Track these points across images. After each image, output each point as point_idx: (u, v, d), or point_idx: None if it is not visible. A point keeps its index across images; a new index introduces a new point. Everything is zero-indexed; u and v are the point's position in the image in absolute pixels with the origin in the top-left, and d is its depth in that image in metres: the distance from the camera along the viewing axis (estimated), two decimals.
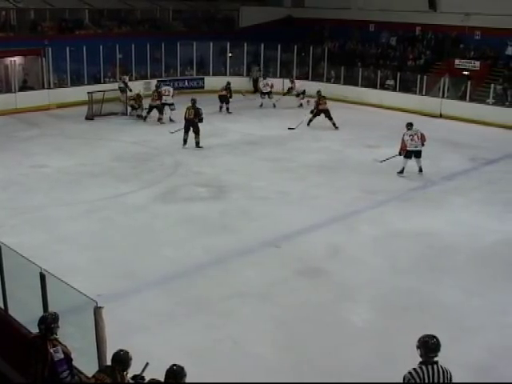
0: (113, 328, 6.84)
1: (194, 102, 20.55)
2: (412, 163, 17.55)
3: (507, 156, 20.21)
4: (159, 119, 24.22)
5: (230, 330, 9.39)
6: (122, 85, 26.83)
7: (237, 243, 12.66)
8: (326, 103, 23.69)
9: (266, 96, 28.00)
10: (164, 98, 24.34)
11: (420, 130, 17.54)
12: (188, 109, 20.34)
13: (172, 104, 24.32)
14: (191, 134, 20.22)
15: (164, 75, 30.82)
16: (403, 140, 17.32)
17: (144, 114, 24.79)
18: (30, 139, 21.14)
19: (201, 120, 20.28)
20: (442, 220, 14.18)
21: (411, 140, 17.21)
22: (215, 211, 14.62)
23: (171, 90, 25.01)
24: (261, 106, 27.85)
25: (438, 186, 16.93)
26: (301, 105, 27.68)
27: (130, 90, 26.37)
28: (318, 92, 24.22)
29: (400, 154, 17.50)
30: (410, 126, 17.62)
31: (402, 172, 17.53)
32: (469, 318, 9.81)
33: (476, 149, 20.77)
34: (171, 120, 24.05)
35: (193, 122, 20.17)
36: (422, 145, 17.30)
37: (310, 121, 23.80)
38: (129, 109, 25.52)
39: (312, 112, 23.77)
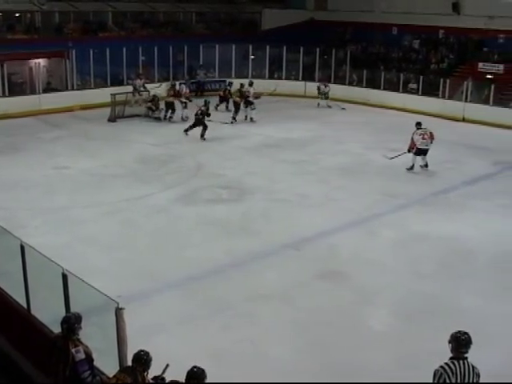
0: (133, 329, 6.89)
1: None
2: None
3: None
4: (170, 117, 24.93)
5: (250, 332, 9.41)
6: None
7: (257, 245, 12.69)
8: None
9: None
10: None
11: (428, 128, 18.04)
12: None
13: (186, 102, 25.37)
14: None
15: (186, 77, 30.93)
16: (413, 139, 17.93)
17: (161, 115, 25.31)
18: (54, 140, 21.32)
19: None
20: (463, 224, 14.11)
21: (422, 139, 17.79)
22: (236, 213, 14.66)
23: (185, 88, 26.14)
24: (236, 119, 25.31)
25: (461, 190, 16.83)
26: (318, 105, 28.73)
27: (138, 93, 26.65)
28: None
29: (409, 152, 18.02)
30: (419, 125, 18.17)
31: (412, 168, 18.11)
32: (490, 324, 9.72)
33: (499, 153, 20.64)
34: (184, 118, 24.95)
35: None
36: (431, 143, 17.90)
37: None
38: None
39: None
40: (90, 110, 25.96)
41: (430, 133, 17.83)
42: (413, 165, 18.02)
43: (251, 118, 25.08)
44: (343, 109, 27.95)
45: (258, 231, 13.59)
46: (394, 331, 9.69)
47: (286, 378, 7.99)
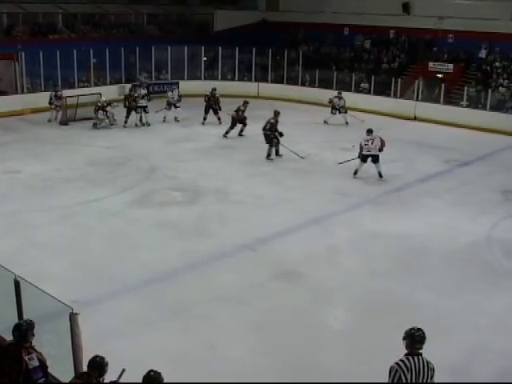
0: (89, 334, 6.83)
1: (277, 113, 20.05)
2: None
3: (480, 158, 20.43)
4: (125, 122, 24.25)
5: (207, 334, 9.38)
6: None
7: (213, 247, 12.67)
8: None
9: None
10: (141, 101, 24.29)
11: (379, 135, 17.54)
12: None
13: (146, 106, 24.46)
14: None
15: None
16: (360, 144, 17.50)
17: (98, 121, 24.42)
18: (4, 144, 20.94)
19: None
20: (416, 222, 14.28)
21: (365, 145, 17.34)
22: (191, 215, 14.61)
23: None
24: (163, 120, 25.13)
25: (413, 188, 17.04)
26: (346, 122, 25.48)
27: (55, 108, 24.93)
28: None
29: (359, 157, 17.69)
30: (369, 132, 17.64)
31: (355, 173, 17.67)
32: (444, 319, 9.89)
33: (450, 151, 20.95)
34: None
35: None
36: (380, 150, 17.29)
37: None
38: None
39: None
40: (41, 113, 25.53)
41: (381, 139, 17.35)
42: (356, 170, 17.68)
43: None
44: (363, 121, 24.34)
45: (214, 233, 13.56)
46: (351, 329, 9.78)
47: (245, 379, 7.95)
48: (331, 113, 25.56)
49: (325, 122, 25.55)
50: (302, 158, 19.34)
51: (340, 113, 25.53)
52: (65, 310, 6.51)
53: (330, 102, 25.79)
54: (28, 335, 6.40)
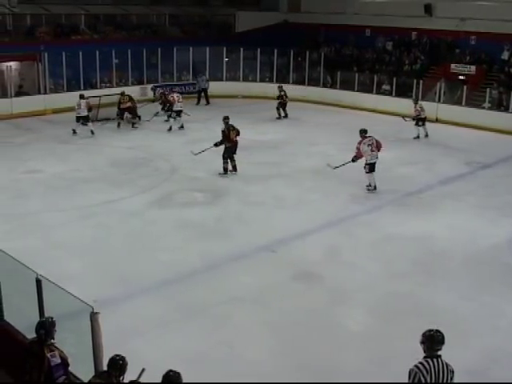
0: (109, 333, 6.84)
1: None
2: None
3: (502, 160, 20.27)
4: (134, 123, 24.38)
5: (226, 336, 9.40)
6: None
7: (232, 248, 12.69)
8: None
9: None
10: (179, 104, 23.86)
11: (374, 136, 16.57)
12: (231, 130, 18.04)
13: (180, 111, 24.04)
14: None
15: (160, 80, 30.88)
16: (359, 149, 16.17)
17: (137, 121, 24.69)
18: (25, 145, 21.14)
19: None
20: (437, 224, 14.20)
21: (371, 150, 16.14)
22: (210, 216, 14.63)
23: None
24: None
25: (434, 190, 16.94)
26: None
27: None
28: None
29: (353, 161, 16.37)
30: (364, 132, 16.40)
31: (375, 188, 16.48)
32: (464, 322, 9.83)
33: (471, 153, 20.81)
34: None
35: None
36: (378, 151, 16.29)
37: None
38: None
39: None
40: (63, 114, 25.69)
41: (377, 141, 16.32)
42: (375, 185, 16.47)
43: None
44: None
45: (233, 234, 13.58)
46: (370, 331, 9.72)
47: (262, 380, 7.97)
48: (417, 125, 23.09)
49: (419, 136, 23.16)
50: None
51: (422, 125, 23.25)
52: (85, 309, 6.54)
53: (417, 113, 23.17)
54: (51, 332, 6.46)
